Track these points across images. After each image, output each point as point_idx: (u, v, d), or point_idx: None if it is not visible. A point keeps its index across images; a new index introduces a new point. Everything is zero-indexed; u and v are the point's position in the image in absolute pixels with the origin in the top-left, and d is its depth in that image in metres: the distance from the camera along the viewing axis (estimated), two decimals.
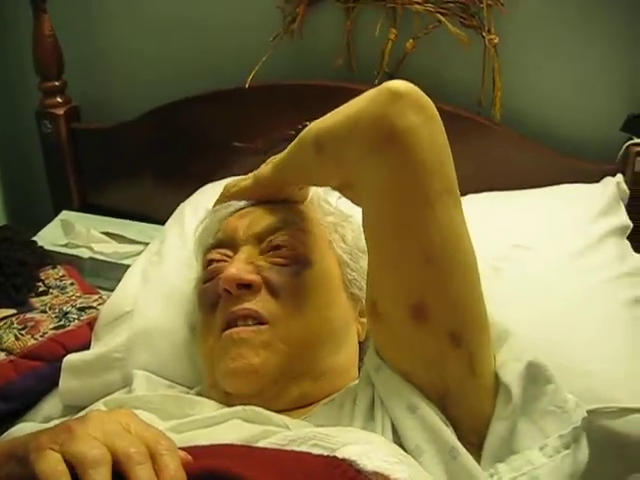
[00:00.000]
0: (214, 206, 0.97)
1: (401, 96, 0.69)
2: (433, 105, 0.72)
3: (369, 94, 0.72)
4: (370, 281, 0.77)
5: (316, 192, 0.96)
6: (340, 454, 0.57)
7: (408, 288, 0.72)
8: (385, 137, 0.69)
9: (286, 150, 0.85)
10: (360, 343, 0.92)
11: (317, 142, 0.77)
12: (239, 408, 0.73)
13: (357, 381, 0.82)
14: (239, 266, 0.82)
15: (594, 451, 0.74)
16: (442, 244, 0.70)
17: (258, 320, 0.81)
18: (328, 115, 0.78)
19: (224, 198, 0.96)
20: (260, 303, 0.81)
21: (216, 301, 0.85)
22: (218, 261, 0.88)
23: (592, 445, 0.74)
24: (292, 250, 0.85)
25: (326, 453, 0.58)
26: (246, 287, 0.82)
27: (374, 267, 0.76)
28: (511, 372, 0.72)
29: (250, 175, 0.93)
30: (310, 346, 0.82)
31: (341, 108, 0.76)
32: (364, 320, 0.90)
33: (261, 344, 0.79)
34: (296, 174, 0.86)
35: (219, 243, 0.90)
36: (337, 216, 0.96)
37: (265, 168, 0.90)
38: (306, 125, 1.22)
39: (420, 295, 0.71)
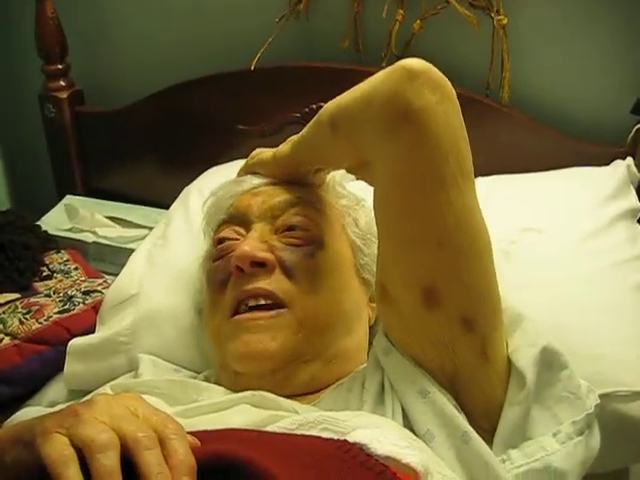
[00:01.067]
0: (238, 175, 0.96)
1: (417, 74, 0.67)
2: (449, 84, 0.70)
3: (384, 72, 0.70)
4: (380, 263, 0.76)
5: (331, 175, 0.95)
6: (350, 438, 0.57)
7: (419, 271, 0.71)
8: (400, 116, 0.68)
9: (304, 129, 0.83)
10: (370, 328, 0.91)
11: (332, 121, 0.76)
12: (247, 393, 0.73)
13: (365, 365, 0.81)
14: (253, 244, 0.81)
15: (605, 435, 0.74)
16: (455, 227, 0.69)
17: (272, 300, 0.80)
18: (344, 94, 0.76)
19: (245, 167, 0.95)
20: (274, 283, 0.80)
21: (226, 279, 0.83)
22: (230, 239, 0.87)
23: (603, 429, 0.73)
24: (306, 231, 0.84)
25: (336, 437, 0.57)
26: (260, 265, 0.81)
27: (385, 249, 0.75)
28: (525, 357, 0.71)
29: (272, 150, 0.91)
30: (323, 328, 0.81)
31: (357, 87, 0.74)
32: (374, 305, 0.89)
33: (280, 328, 0.78)
34: (312, 153, 0.84)
35: (231, 219, 0.88)
36: (350, 200, 0.95)
37: (284, 147, 0.88)
38: (312, 108, 1.22)
39: (432, 279, 0.70)
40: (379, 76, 0.71)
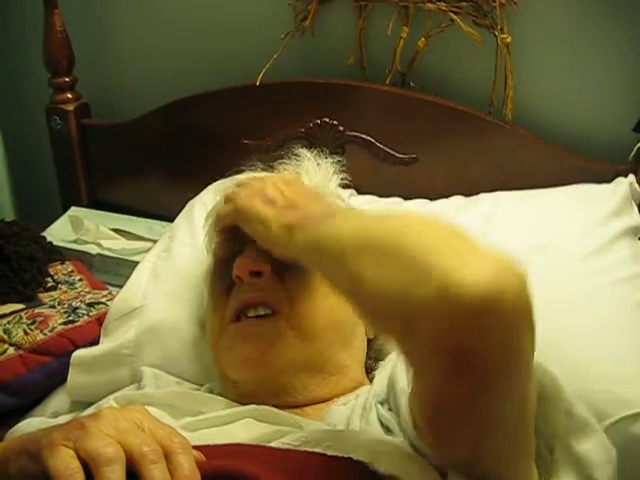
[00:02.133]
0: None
1: (478, 312, 0.48)
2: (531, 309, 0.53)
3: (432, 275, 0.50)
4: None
5: (330, 191, 0.96)
6: (355, 456, 0.57)
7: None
8: (454, 359, 0.52)
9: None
10: (369, 341, 0.91)
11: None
12: (251, 407, 0.73)
13: (370, 386, 0.81)
14: (252, 255, 0.83)
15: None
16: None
17: (270, 309, 0.81)
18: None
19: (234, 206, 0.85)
20: (271, 292, 0.82)
21: (227, 290, 0.85)
22: (230, 252, 0.88)
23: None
24: None
25: (341, 454, 0.58)
26: (257, 275, 0.82)
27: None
28: None
29: (273, 191, 0.78)
30: (317, 333, 0.82)
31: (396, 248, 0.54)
32: None
33: (272, 333, 0.80)
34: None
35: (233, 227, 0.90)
36: None
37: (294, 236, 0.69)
38: (317, 123, 1.21)
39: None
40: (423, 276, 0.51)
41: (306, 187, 0.84)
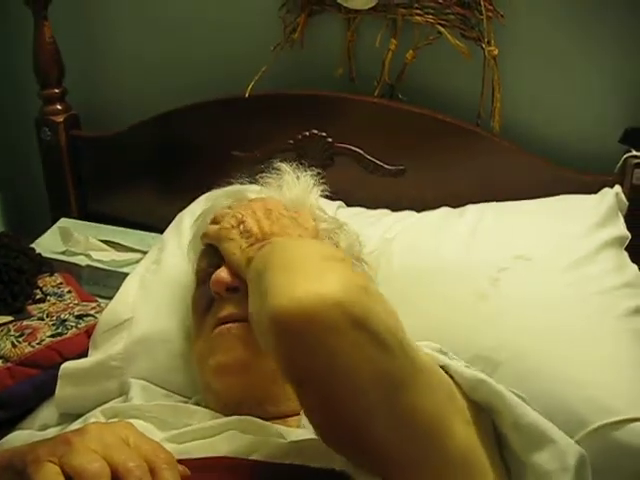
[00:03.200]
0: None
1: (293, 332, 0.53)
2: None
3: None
4: None
5: (310, 203, 0.97)
6: (338, 467, 0.57)
7: None
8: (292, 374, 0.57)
9: None
10: None
11: None
12: (234, 418, 0.73)
13: None
14: (228, 269, 0.84)
15: (595, 462, 0.73)
16: None
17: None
18: None
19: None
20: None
21: (208, 305, 0.87)
22: (210, 266, 0.89)
23: (593, 457, 0.73)
24: None
25: (323, 466, 0.58)
26: (235, 290, 0.83)
27: None
28: None
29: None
30: None
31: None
32: None
33: (252, 339, 0.79)
34: None
35: (209, 247, 0.91)
36: (331, 223, 0.97)
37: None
38: (306, 135, 1.23)
39: None
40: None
41: (283, 215, 0.89)
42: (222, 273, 0.84)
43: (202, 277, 0.91)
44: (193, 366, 0.93)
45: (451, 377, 0.68)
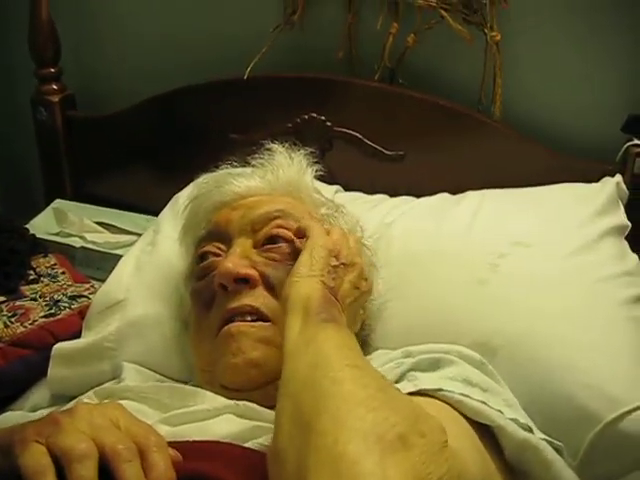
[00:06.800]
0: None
1: None
2: None
3: None
4: None
5: (305, 184, 0.95)
6: None
7: None
8: None
9: None
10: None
11: None
12: (232, 403, 0.72)
13: None
14: (235, 260, 0.80)
15: (596, 452, 0.73)
16: None
17: (259, 317, 0.79)
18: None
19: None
20: (260, 299, 0.80)
21: (211, 299, 0.83)
22: (212, 254, 0.87)
23: (593, 448, 0.73)
24: (288, 245, 0.83)
25: None
26: (243, 282, 0.80)
27: None
28: None
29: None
30: None
31: None
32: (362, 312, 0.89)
33: (260, 339, 0.78)
34: None
35: (211, 235, 0.89)
36: (330, 207, 0.95)
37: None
38: (305, 119, 1.21)
39: None
40: None
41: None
42: (228, 263, 0.79)
43: (203, 269, 0.86)
44: (191, 357, 0.91)
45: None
